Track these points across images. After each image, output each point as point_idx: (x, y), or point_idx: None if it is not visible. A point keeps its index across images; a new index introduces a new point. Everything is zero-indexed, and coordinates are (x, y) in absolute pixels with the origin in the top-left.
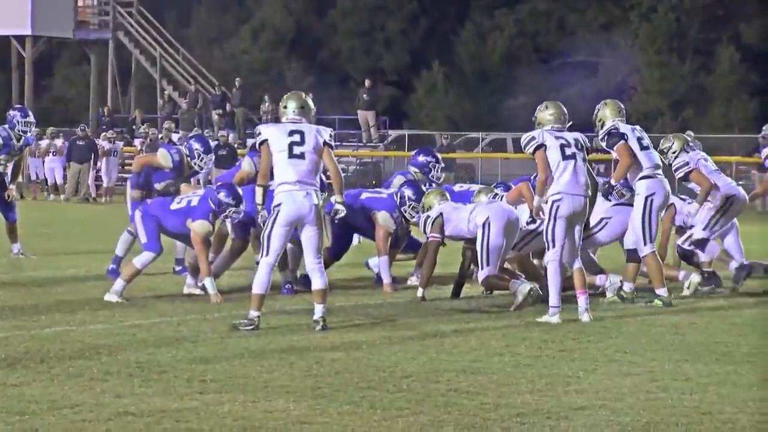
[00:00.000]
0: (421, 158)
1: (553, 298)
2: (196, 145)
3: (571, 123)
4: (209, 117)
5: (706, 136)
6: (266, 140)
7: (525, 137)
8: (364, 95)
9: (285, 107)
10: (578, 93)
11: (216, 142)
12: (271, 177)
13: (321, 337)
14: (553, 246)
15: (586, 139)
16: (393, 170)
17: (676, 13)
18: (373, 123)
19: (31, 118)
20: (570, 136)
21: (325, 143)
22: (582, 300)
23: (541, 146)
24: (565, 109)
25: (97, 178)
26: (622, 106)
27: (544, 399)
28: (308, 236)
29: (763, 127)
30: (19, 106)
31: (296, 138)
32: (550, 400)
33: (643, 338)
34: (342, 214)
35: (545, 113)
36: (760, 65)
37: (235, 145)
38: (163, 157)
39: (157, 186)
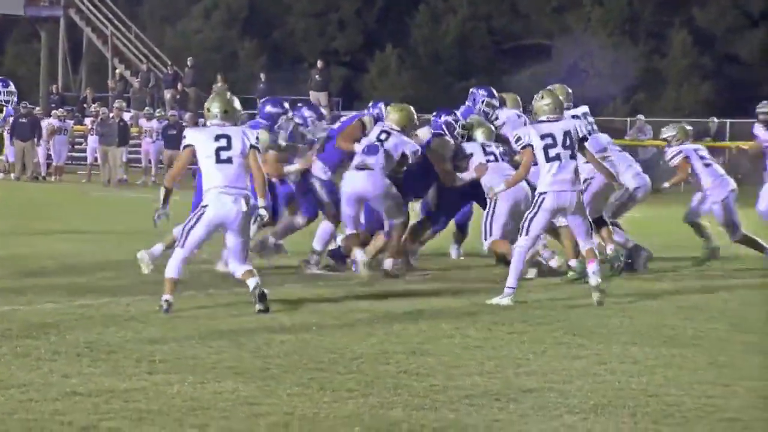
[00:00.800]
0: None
1: (511, 280)
2: (308, 113)
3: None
4: (161, 96)
5: (657, 119)
6: (191, 145)
7: (514, 135)
8: (317, 76)
9: (209, 110)
10: (530, 76)
11: (166, 122)
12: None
13: (270, 319)
14: (527, 234)
15: (580, 128)
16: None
17: None
18: (325, 104)
19: (12, 88)
20: (560, 131)
21: (251, 146)
22: (592, 266)
23: (529, 146)
24: (562, 96)
25: (48, 156)
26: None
27: (493, 381)
28: (231, 243)
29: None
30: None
31: (223, 143)
32: (499, 382)
33: (592, 321)
34: (264, 220)
35: (541, 103)
36: (712, 49)
37: (189, 125)
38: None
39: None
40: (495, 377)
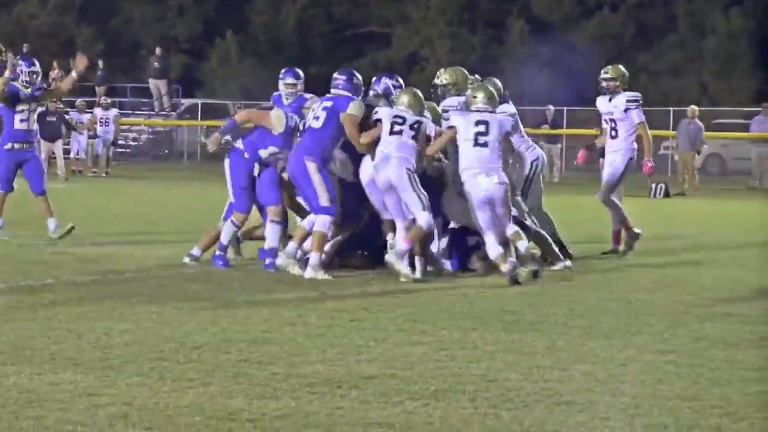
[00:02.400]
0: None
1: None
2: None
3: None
4: None
5: None
6: (454, 127)
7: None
8: (156, 63)
9: (474, 96)
10: (370, 64)
11: None
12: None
13: (110, 309)
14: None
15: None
16: (186, 139)
17: None
18: (165, 91)
19: (37, 68)
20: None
21: (506, 132)
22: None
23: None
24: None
25: None
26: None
27: (335, 368)
28: (497, 214)
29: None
30: (24, 56)
31: (482, 128)
32: (340, 369)
33: (433, 307)
34: None
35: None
36: (549, 37)
37: None
38: (277, 119)
39: (263, 153)
40: (336, 365)
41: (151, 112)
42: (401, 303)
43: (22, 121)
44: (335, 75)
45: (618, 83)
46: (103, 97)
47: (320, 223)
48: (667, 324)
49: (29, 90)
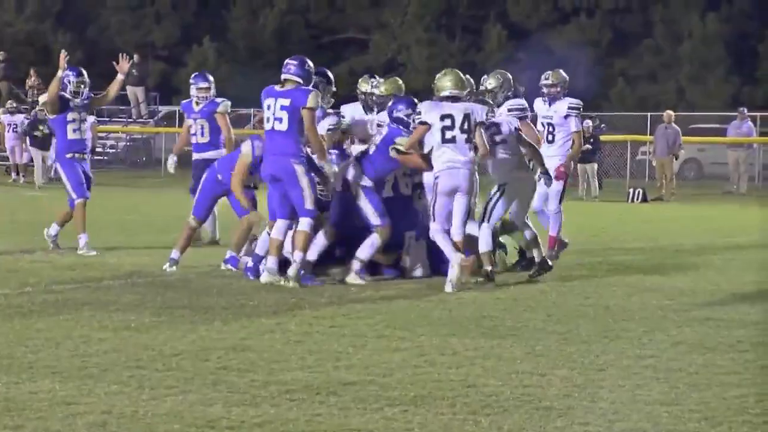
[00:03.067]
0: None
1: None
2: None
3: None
4: None
5: None
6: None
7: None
8: (133, 70)
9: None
10: (348, 70)
11: None
12: None
13: (89, 316)
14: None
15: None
16: (164, 146)
17: None
18: (142, 98)
19: (85, 78)
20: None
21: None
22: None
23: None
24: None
25: None
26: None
27: (313, 375)
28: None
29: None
30: (72, 66)
31: (493, 129)
32: (319, 376)
33: (412, 313)
34: None
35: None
36: (526, 43)
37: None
38: (246, 155)
39: None
40: (316, 371)
41: (129, 120)
42: (380, 309)
43: (74, 131)
44: (287, 60)
45: (559, 89)
46: None
47: (303, 224)
48: (645, 329)
49: (78, 100)
